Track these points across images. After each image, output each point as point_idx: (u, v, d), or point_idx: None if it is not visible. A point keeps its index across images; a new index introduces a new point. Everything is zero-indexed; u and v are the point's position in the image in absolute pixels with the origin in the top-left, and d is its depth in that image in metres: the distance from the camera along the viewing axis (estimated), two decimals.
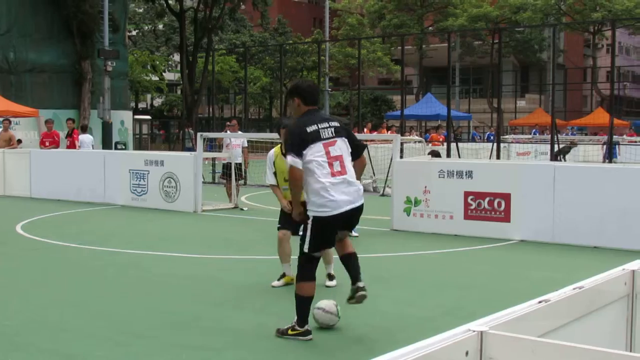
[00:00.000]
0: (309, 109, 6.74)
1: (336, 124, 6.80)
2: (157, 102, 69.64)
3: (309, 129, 6.55)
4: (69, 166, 19.27)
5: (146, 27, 63.50)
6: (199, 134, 17.98)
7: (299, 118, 6.74)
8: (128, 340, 6.80)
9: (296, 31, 63.85)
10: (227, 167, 18.53)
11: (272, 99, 62.64)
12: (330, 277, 8.93)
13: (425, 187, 13.25)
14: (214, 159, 25.10)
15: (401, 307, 8.07)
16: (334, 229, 6.64)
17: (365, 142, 7.36)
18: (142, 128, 50.95)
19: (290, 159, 6.50)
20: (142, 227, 14.86)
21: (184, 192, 16.73)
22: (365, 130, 27.95)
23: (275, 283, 9.01)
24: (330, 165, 6.54)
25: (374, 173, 21.91)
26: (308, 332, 6.58)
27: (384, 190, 19.82)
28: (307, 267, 6.60)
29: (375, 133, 27.55)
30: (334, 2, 60.82)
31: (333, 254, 8.74)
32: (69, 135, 22.68)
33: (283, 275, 9.00)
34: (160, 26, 62.78)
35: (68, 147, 22.27)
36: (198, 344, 6.61)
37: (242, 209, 17.17)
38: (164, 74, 62.31)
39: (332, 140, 6.61)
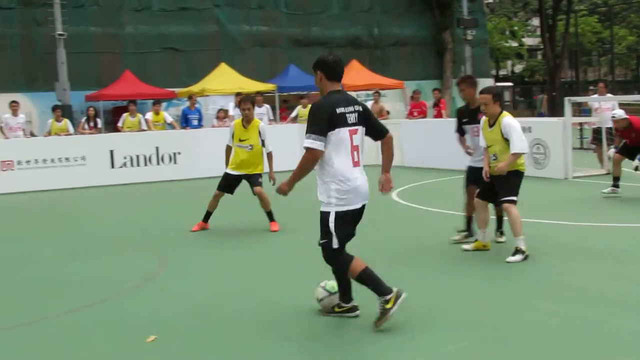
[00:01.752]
0: (335, 88, 6.29)
1: (360, 108, 6.32)
2: (518, 68, 68.77)
3: (339, 111, 6.14)
4: (437, 135, 19.68)
5: None
6: (566, 98, 17.43)
7: (326, 97, 6.25)
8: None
9: None
10: (597, 131, 17.84)
11: (639, 58, 59.18)
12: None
13: None
14: (581, 124, 24.26)
15: None
16: (353, 222, 6.28)
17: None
18: (504, 95, 50.73)
19: (311, 141, 6.04)
20: None
21: (553, 158, 16.35)
22: None
23: (466, 246, 9.27)
24: (352, 154, 6.19)
25: None
26: (400, 294, 6.13)
27: None
28: (342, 256, 6.24)
29: None
30: None
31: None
32: (436, 105, 23.15)
33: (474, 240, 9.32)
34: None
35: (435, 116, 22.74)
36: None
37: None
38: (523, 39, 61.37)
39: (355, 127, 6.23)
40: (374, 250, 9.18)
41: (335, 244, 6.17)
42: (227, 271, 8.76)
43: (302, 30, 34.60)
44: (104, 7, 31.00)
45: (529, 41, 64.00)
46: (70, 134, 20.47)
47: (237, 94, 22.37)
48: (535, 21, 56.74)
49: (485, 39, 40.90)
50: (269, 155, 11.33)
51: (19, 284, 8.54)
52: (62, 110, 21.45)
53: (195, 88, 27.58)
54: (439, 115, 22.70)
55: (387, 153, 6.52)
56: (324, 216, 6.21)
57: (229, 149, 11.42)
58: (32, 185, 18.46)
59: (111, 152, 19.53)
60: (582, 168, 17.34)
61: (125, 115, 21.04)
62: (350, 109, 6.21)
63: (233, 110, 21.75)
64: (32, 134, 23.41)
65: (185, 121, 21.68)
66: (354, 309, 6.56)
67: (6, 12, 29.47)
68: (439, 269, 8.42)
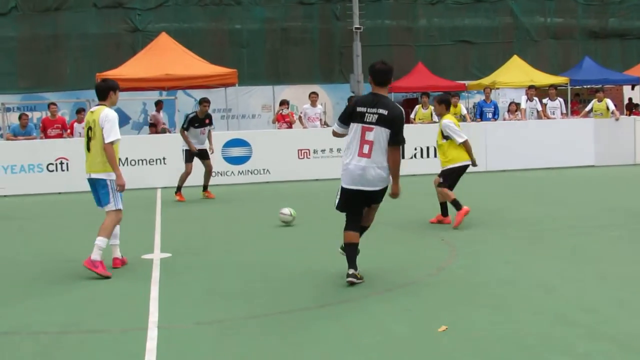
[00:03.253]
0: (376, 91, 7.70)
1: (384, 112, 7.54)
2: None
3: (359, 109, 7.65)
4: None
5: None
6: None
7: (361, 96, 7.87)
8: None
9: None
10: None
11: None
12: None
13: None
14: None
15: None
16: (352, 199, 7.80)
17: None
18: None
19: (335, 125, 7.95)
20: None
21: None
22: None
23: None
24: (361, 146, 7.62)
25: None
26: (353, 276, 7.75)
27: None
28: (346, 221, 7.91)
29: None
30: None
31: None
32: None
33: None
34: None
35: None
36: None
37: None
38: None
39: (371, 126, 7.57)
40: None
41: (336, 204, 7.96)
42: (509, 263, 8.71)
43: (599, 21, 33.31)
44: (399, 0, 31.73)
45: None
46: None
47: (530, 87, 21.98)
48: None
49: None
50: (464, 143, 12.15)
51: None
52: None
53: (486, 81, 27.45)
54: None
55: (390, 160, 7.69)
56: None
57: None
58: (325, 173, 19.27)
59: None
60: None
61: (417, 107, 21.40)
62: (373, 110, 7.56)
63: (525, 104, 21.39)
64: (327, 124, 24.49)
65: (479, 114, 21.70)
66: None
67: (308, 7, 31.06)
68: None
